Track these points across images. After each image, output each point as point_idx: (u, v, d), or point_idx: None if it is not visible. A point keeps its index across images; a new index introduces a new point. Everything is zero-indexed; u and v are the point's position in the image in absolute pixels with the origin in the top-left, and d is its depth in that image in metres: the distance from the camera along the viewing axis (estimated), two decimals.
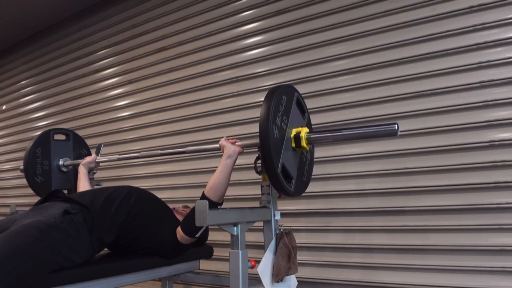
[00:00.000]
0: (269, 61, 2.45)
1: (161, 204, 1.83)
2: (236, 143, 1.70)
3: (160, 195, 1.90)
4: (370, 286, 1.98)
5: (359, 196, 2.05)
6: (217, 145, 1.75)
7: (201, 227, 1.67)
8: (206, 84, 2.70)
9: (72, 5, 3.50)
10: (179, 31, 2.88)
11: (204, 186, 1.67)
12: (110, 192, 1.66)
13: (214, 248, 2.06)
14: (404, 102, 1.98)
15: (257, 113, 2.44)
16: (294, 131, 1.56)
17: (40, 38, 3.97)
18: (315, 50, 2.27)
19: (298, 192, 1.58)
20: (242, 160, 2.38)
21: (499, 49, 1.79)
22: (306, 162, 1.70)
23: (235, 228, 1.42)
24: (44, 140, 2.40)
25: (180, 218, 1.87)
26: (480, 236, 1.76)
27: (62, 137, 2.52)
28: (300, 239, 1.98)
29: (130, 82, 3.14)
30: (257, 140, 1.48)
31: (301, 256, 2.11)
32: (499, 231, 1.72)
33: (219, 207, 1.68)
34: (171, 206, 1.90)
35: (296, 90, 1.68)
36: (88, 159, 2.25)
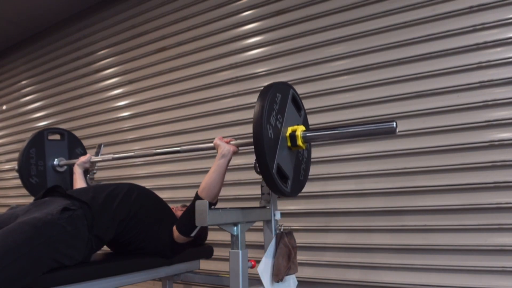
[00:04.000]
0: (269, 61, 2.45)
1: (161, 203, 1.83)
2: (231, 142, 1.66)
3: (160, 195, 1.90)
4: (370, 286, 1.98)
5: (359, 196, 2.05)
6: (211, 144, 1.71)
7: (196, 226, 1.64)
8: (206, 84, 2.70)
9: (72, 5, 3.50)
10: (179, 31, 2.88)
11: None
12: (112, 190, 1.66)
13: (214, 248, 2.06)
14: (404, 102, 1.98)
15: None
16: (289, 130, 1.50)
17: (40, 38, 3.97)
18: (315, 50, 2.27)
19: (294, 192, 1.55)
20: (242, 160, 2.39)
21: (499, 49, 1.79)
22: (302, 160, 1.65)
23: (235, 228, 1.42)
24: (38, 140, 2.35)
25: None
26: (480, 236, 1.76)
27: (57, 136, 2.48)
28: (300, 239, 1.98)
29: (130, 82, 3.14)
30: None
31: (301, 256, 2.12)
32: (499, 231, 1.72)
33: (212, 207, 1.65)
34: (170, 206, 1.90)
35: (291, 87, 1.62)
36: (82, 159, 2.22)
